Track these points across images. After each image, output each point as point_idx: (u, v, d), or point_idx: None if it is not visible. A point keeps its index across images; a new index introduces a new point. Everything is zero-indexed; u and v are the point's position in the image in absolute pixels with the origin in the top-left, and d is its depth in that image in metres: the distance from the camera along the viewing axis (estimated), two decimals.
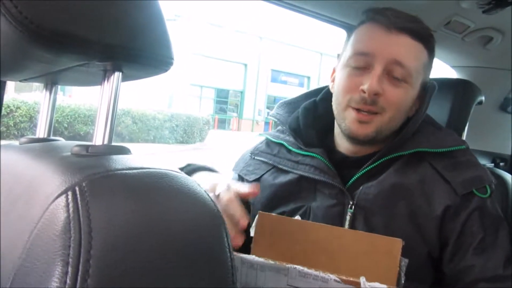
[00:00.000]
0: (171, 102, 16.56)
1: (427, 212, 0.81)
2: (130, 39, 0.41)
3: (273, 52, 19.95)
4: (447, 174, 0.82)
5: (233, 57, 19.15)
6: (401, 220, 0.81)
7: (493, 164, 1.81)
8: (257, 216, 0.77)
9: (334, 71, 0.96)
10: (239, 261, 0.55)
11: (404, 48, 0.83)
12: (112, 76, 0.42)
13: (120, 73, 0.43)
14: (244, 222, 0.65)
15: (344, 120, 0.86)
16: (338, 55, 0.93)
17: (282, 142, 0.96)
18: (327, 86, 1.04)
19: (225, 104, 20.88)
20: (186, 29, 16.61)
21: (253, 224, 0.78)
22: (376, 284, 0.51)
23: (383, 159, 0.86)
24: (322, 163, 0.88)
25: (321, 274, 0.52)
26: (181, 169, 0.82)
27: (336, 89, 0.89)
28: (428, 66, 0.90)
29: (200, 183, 0.70)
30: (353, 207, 0.83)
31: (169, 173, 0.37)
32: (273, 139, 0.99)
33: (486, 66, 1.68)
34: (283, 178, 0.92)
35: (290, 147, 0.94)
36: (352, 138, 0.87)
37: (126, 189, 0.34)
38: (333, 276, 0.52)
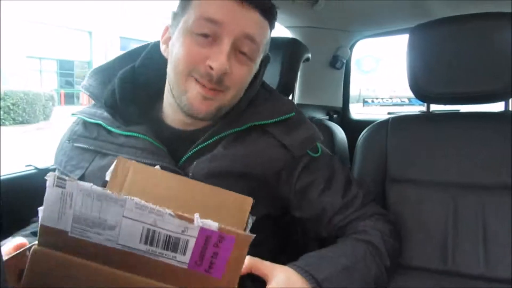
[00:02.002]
0: (4, 78, 14.50)
1: (264, 176, 0.82)
2: None
3: (119, 19, 18.72)
4: (285, 138, 0.83)
5: (75, 25, 17.43)
6: (239, 185, 0.79)
7: (327, 117, 2.00)
8: (115, 161, 0.73)
9: (166, 30, 0.85)
10: (75, 188, 0.52)
11: (255, 23, 0.79)
12: None
13: None
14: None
15: (186, 93, 0.78)
16: (174, 13, 0.83)
17: (99, 122, 0.85)
18: (147, 46, 0.93)
19: (71, 77, 18.99)
20: None
21: (110, 169, 0.73)
22: (209, 221, 0.52)
23: (218, 136, 0.82)
24: (148, 143, 0.81)
25: (157, 208, 0.52)
26: None
27: (176, 56, 0.78)
28: (268, 43, 0.87)
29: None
30: None
31: None
32: (89, 119, 0.86)
33: (315, 26, 1.81)
34: (107, 161, 0.82)
35: (109, 127, 0.84)
36: (190, 115, 0.81)
37: None
38: (168, 211, 0.52)
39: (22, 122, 10.91)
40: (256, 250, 0.62)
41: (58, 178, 0.51)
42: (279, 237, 0.92)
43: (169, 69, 0.82)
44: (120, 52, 0.94)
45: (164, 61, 0.85)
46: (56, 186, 0.52)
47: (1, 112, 10.52)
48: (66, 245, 0.54)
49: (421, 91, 1.01)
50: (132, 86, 0.87)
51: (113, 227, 0.53)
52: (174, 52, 0.79)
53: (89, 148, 0.85)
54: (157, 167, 0.78)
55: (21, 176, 1.10)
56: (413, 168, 1.00)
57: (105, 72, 0.89)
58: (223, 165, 0.80)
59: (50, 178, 0.51)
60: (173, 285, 0.56)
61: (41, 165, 1.13)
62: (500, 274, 0.88)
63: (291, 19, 1.77)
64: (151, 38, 0.95)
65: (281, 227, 0.93)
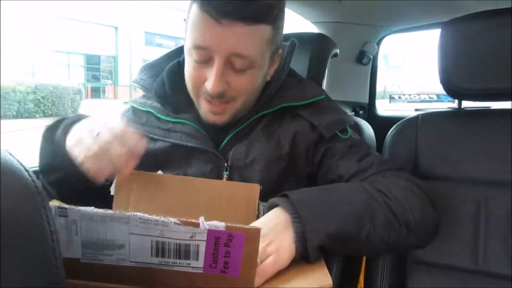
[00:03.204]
0: (34, 71, 14.89)
1: (295, 155, 0.85)
2: None
3: (144, 14, 18.91)
4: (314, 119, 0.86)
5: (102, 20, 17.72)
6: (274, 168, 0.84)
7: (353, 113, 1.98)
8: (117, 175, 0.74)
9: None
10: (77, 215, 0.52)
11: (240, 38, 0.75)
12: None
13: None
14: (140, 146, 0.71)
15: (200, 108, 0.86)
16: (184, 19, 0.84)
17: (150, 110, 0.92)
18: None
19: (98, 71, 19.36)
20: None
21: (114, 183, 0.75)
22: (215, 222, 0.52)
23: (251, 119, 0.87)
24: (193, 129, 0.87)
25: (161, 219, 0.51)
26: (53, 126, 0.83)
27: (186, 75, 0.85)
28: (275, 36, 0.82)
29: (79, 130, 0.73)
30: (228, 168, 0.84)
31: None
32: (140, 107, 0.93)
33: (342, 21, 1.79)
34: (153, 145, 0.88)
35: (158, 115, 0.90)
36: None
37: None
38: (173, 220, 0.51)
39: (51, 115, 11.18)
40: None
41: (59, 208, 0.51)
42: None
43: (185, 82, 0.87)
44: (144, 47, 0.99)
45: None
46: (59, 216, 0.51)
47: (31, 105, 10.82)
48: (80, 272, 0.54)
49: (453, 87, 0.99)
50: (179, 79, 0.92)
51: (122, 245, 0.53)
52: (185, 69, 0.85)
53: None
54: (160, 172, 0.81)
55: None
56: (443, 165, 0.99)
57: (154, 68, 0.96)
58: (257, 146, 0.85)
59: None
60: None
61: None
62: None
63: (318, 14, 1.76)
64: (175, 33, 0.99)
65: None
